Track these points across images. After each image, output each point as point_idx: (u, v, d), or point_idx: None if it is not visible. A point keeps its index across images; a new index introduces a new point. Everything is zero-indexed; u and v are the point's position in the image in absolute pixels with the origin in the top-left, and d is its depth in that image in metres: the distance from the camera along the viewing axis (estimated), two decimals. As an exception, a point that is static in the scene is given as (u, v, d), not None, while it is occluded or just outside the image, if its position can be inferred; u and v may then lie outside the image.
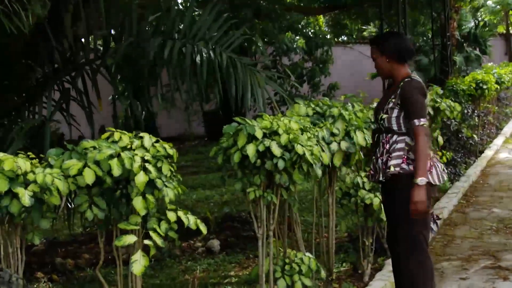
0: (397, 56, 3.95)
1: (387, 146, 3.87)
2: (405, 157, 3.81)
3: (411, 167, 3.77)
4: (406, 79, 3.90)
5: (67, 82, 5.09)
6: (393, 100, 3.88)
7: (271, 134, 3.66)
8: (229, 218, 7.67)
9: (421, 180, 3.68)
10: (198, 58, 4.74)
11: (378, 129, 4.02)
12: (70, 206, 3.04)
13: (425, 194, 3.68)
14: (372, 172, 4.06)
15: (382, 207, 4.42)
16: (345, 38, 22.36)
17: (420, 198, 3.67)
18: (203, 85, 4.79)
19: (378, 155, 3.92)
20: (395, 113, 3.87)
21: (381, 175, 3.88)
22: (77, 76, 5.04)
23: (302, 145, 3.69)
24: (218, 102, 4.86)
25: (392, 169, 3.80)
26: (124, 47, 4.84)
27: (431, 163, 3.83)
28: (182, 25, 5.05)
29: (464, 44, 18.21)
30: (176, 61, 4.72)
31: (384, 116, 3.90)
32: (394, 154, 3.83)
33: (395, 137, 3.86)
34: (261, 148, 3.54)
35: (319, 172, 3.92)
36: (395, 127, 3.88)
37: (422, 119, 3.80)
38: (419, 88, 3.91)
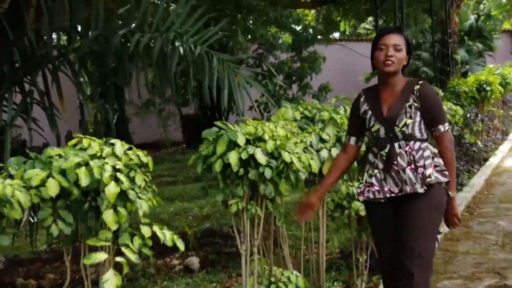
0: (409, 58, 3.89)
1: (415, 154, 3.72)
2: (433, 165, 3.75)
3: (439, 176, 3.73)
4: (420, 81, 3.83)
5: (28, 82, 5.07)
6: (415, 104, 3.74)
7: (256, 140, 3.67)
8: (209, 233, 7.66)
9: (454, 194, 3.82)
10: (168, 51, 4.71)
11: (386, 138, 3.78)
12: (32, 221, 3.00)
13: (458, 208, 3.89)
14: (377, 187, 3.80)
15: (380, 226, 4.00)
16: (337, 35, 22.46)
17: (458, 211, 3.88)
18: (172, 80, 4.76)
19: (404, 166, 3.71)
20: (418, 118, 3.76)
21: (417, 186, 3.69)
22: (36, 74, 5.02)
23: (289, 153, 3.71)
24: (191, 100, 4.84)
25: (432, 177, 3.69)
26: (89, 42, 4.83)
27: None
28: (154, 19, 5.04)
29: (466, 38, 18.40)
30: (144, 54, 4.71)
31: (409, 121, 3.73)
32: (427, 163, 3.72)
33: (418, 143, 3.75)
34: (244, 156, 3.55)
35: (302, 178, 3.97)
36: (417, 134, 3.76)
37: (447, 124, 3.79)
38: (436, 92, 3.96)
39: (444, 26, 14.57)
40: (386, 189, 3.77)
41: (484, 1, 25.72)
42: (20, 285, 6.13)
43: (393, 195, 3.76)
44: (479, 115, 11.25)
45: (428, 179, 3.68)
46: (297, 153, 3.87)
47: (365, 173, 3.90)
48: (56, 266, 6.66)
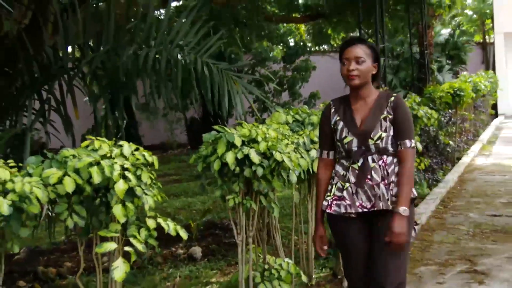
0: (379, 65, 3.46)
1: (388, 169, 3.31)
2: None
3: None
4: (394, 94, 3.44)
5: (45, 91, 5.08)
6: (389, 116, 3.33)
7: (250, 142, 3.68)
8: (211, 225, 7.67)
9: (404, 210, 3.21)
10: (172, 64, 4.73)
11: (359, 151, 3.34)
12: (51, 215, 3.01)
13: (406, 225, 3.22)
14: (349, 202, 3.33)
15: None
16: (326, 47, 22.48)
17: (402, 229, 3.20)
18: (179, 90, 4.76)
19: (379, 180, 3.29)
20: (391, 131, 3.33)
21: (389, 202, 3.28)
22: (53, 84, 5.03)
23: (280, 152, 3.71)
24: (195, 107, 4.85)
25: (402, 193, 3.25)
26: (100, 56, 4.84)
27: None
28: (158, 33, 5.05)
29: (438, 55, 18.46)
30: (151, 68, 4.72)
31: (384, 135, 3.31)
32: (395, 179, 3.29)
33: (390, 158, 3.32)
34: (240, 155, 3.56)
35: (294, 178, 3.94)
36: (390, 148, 3.32)
37: (413, 141, 3.35)
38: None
39: (421, 38, 14.61)
40: (357, 203, 3.31)
41: (456, 18, 25.80)
42: (41, 273, 6.13)
43: (365, 210, 3.31)
44: (453, 118, 11.27)
45: (393, 198, 3.26)
46: (288, 153, 3.88)
47: (333, 185, 3.39)
48: (73, 256, 6.67)
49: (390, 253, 3.27)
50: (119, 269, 2.91)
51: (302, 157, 4.18)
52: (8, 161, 2.85)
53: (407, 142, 3.30)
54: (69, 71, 5.01)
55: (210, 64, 4.76)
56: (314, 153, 4.43)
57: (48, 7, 5.46)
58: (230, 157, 3.54)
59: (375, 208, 3.29)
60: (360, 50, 3.32)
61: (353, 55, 3.31)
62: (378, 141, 3.30)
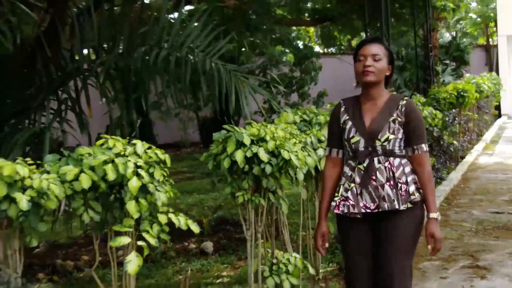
0: (393, 68, 3.36)
1: (395, 171, 3.20)
2: (414, 181, 3.23)
3: (421, 193, 3.24)
4: (406, 97, 3.33)
5: (62, 91, 5.12)
6: (399, 119, 3.23)
7: (259, 140, 3.68)
8: (222, 221, 7.69)
9: (438, 215, 3.19)
10: (182, 65, 4.73)
11: (365, 151, 3.24)
12: (68, 210, 3.02)
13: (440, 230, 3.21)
14: (353, 202, 3.25)
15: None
16: (333, 50, 22.43)
17: (441, 234, 3.19)
18: (187, 89, 4.78)
19: (383, 181, 3.18)
20: (400, 134, 3.23)
21: (395, 203, 3.16)
22: (67, 84, 5.06)
23: (288, 151, 3.71)
24: (202, 106, 4.85)
25: (416, 194, 3.19)
26: (114, 57, 4.86)
27: None
28: (170, 37, 5.06)
29: (443, 58, 18.38)
30: (162, 69, 4.73)
31: (391, 137, 3.20)
32: (409, 179, 3.20)
33: (398, 160, 3.21)
34: (249, 154, 3.56)
35: (301, 176, 3.93)
36: (397, 150, 3.23)
37: (427, 144, 3.29)
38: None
39: (426, 41, 14.54)
40: (361, 204, 3.22)
41: (461, 22, 25.69)
42: (59, 266, 6.18)
43: (368, 211, 3.21)
44: (456, 118, 11.21)
45: (412, 197, 3.18)
46: (296, 151, 3.87)
47: (341, 186, 3.31)
48: (90, 249, 6.70)
49: (399, 256, 3.19)
50: (132, 263, 2.92)
51: (309, 155, 4.16)
52: (27, 158, 2.87)
53: (423, 146, 3.24)
54: (84, 72, 5.03)
55: (219, 65, 4.76)
56: (321, 151, 4.42)
57: (65, 12, 5.50)
58: (239, 156, 3.54)
59: (380, 210, 3.19)
60: (377, 49, 3.24)
61: (370, 52, 3.22)
62: (385, 143, 3.20)
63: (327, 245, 3.38)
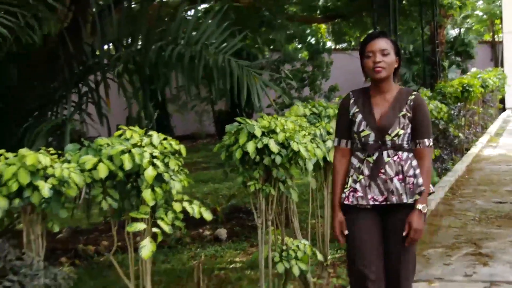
0: (400, 60, 3.28)
1: (404, 164, 3.14)
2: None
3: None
4: (415, 92, 3.26)
5: (83, 85, 5.16)
6: (408, 114, 3.17)
7: (269, 132, 3.68)
8: (235, 210, 7.70)
9: (424, 207, 3.13)
10: (196, 60, 4.74)
11: (375, 145, 3.18)
12: (88, 198, 3.05)
13: (423, 223, 3.15)
14: (361, 194, 3.20)
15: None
16: (345, 45, 22.31)
17: (421, 226, 3.12)
18: (202, 84, 4.78)
19: (392, 175, 3.14)
20: (409, 129, 3.17)
21: (403, 196, 3.13)
22: (88, 78, 5.10)
23: (297, 143, 3.71)
24: (215, 100, 4.86)
25: (424, 187, 3.15)
26: (132, 53, 4.89)
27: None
28: (186, 33, 5.07)
29: (449, 53, 18.22)
30: (177, 64, 4.74)
31: (401, 132, 3.15)
32: (417, 172, 3.15)
33: (406, 154, 3.16)
34: (260, 145, 3.57)
35: (310, 166, 3.94)
36: (405, 144, 3.17)
37: (431, 139, 3.24)
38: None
39: (433, 37, 14.43)
40: (369, 196, 3.18)
41: (468, 19, 25.47)
42: (81, 250, 6.24)
43: (376, 203, 3.17)
44: (462, 111, 11.13)
45: (421, 188, 3.13)
46: (305, 143, 3.87)
47: (350, 177, 3.25)
48: (110, 235, 6.75)
49: (405, 247, 3.16)
50: (146, 248, 2.95)
51: (318, 147, 4.16)
52: (49, 148, 2.90)
53: (426, 141, 3.17)
54: (104, 67, 5.06)
55: (232, 61, 4.76)
56: (330, 143, 4.42)
57: (87, 9, 5.53)
58: (250, 147, 3.55)
59: (388, 202, 3.15)
60: (384, 43, 3.16)
61: (378, 48, 3.13)
62: (395, 138, 3.14)
63: (346, 232, 3.26)
